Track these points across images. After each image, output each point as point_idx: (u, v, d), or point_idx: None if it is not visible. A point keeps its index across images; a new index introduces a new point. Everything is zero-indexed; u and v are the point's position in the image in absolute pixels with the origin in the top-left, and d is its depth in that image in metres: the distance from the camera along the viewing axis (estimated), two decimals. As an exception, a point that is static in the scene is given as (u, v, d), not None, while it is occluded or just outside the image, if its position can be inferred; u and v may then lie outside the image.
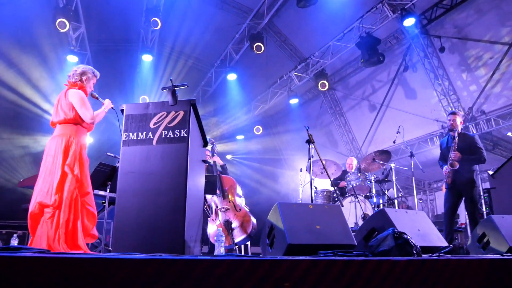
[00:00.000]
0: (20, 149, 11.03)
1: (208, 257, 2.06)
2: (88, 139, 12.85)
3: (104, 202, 6.21)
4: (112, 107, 4.52)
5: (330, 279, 2.27)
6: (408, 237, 3.10)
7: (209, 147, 7.34)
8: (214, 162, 7.09)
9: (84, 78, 4.36)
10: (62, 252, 3.13)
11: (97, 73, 4.55)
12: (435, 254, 3.82)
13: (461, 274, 2.67)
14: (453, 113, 6.45)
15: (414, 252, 3.05)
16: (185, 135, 3.59)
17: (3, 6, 10.24)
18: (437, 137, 12.00)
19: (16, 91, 11.00)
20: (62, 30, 9.31)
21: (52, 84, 11.10)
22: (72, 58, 10.89)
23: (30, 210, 3.85)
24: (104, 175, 6.17)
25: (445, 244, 4.00)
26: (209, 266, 1.99)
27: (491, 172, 7.42)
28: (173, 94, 3.75)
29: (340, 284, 2.30)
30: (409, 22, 9.67)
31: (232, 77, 13.37)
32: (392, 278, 2.44)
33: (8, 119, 11.09)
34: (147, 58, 12.12)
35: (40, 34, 10.64)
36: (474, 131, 10.75)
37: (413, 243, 3.08)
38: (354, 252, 3.01)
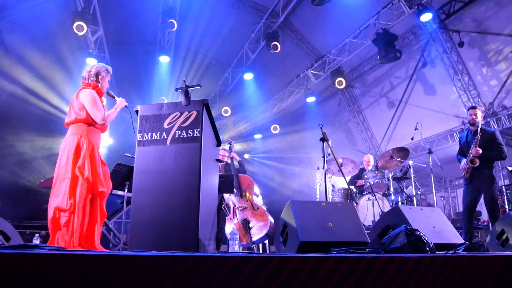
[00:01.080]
0: (42, 151, 11.30)
1: (217, 254, 2.10)
2: (108, 140, 13.12)
3: (123, 202, 6.33)
4: (126, 105, 4.48)
5: (340, 275, 2.28)
6: (421, 234, 3.08)
7: (226, 146, 7.39)
8: (232, 160, 7.13)
9: (99, 77, 4.37)
10: (77, 250, 3.20)
11: (110, 69, 4.52)
12: (450, 251, 3.78)
13: (474, 271, 2.63)
14: (474, 108, 6.31)
15: (427, 249, 3.03)
16: (198, 134, 3.64)
17: (23, 12, 10.51)
18: (457, 133, 11.80)
19: (37, 94, 11.27)
20: (80, 33, 9.47)
21: (72, 87, 11.33)
22: (91, 61, 11.07)
23: (50, 216, 3.88)
24: (122, 175, 6.27)
25: (461, 241, 3.96)
26: (218, 262, 2.03)
27: (510, 168, 7.27)
28: (186, 94, 3.80)
29: (350, 281, 2.31)
30: (426, 17, 9.56)
31: (248, 76, 13.42)
32: (403, 275, 2.43)
33: (30, 122, 11.38)
34: (164, 59, 12.27)
35: (60, 38, 10.88)
36: (496, 127, 10.53)
37: (426, 240, 3.06)
38: (367, 249, 3.01)
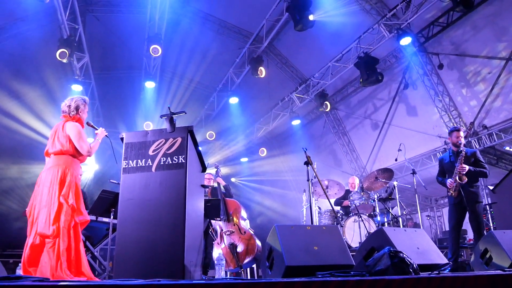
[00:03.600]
0: (25, 177, 11.16)
1: (203, 282, 2.11)
2: (94, 166, 13.04)
3: (108, 229, 6.28)
4: (106, 135, 4.64)
5: (324, 300, 2.31)
6: (404, 255, 3.13)
7: (213, 171, 7.41)
8: (218, 184, 7.15)
9: (79, 110, 4.47)
10: (61, 280, 3.18)
11: (87, 99, 4.65)
12: (434, 272, 3.83)
13: (457, 292, 2.68)
14: (458, 130, 6.35)
15: (411, 270, 3.07)
16: (183, 161, 3.68)
17: (10, 39, 10.55)
18: (441, 152, 11.97)
19: (21, 121, 11.21)
20: (63, 60, 9.52)
21: (57, 114, 11.29)
22: (76, 87, 11.12)
23: (30, 242, 3.90)
24: (108, 202, 6.25)
25: (445, 261, 4.01)
26: (202, 290, 2.04)
27: (491, 187, 7.40)
28: (171, 121, 3.85)
29: (335, 305, 2.33)
30: (406, 41, 9.83)
31: (234, 100, 13.54)
32: (387, 297, 2.46)
33: (13, 149, 11.27)
34: (150, 85, 12.34)
35: (45, 65, 10.90)
36: (477, 146, 10.74)
37: (410, 261, 3.10)
38: (352, 272, 3.04)
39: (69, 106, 4.43)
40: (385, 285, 2.49)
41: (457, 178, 6.07)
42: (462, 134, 6.30)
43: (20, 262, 4.31)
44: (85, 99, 4.60)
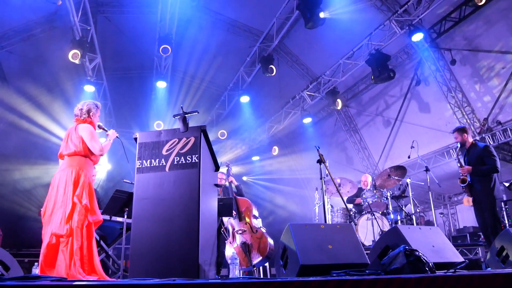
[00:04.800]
0: (41, 178, 11.28)
1: (218, 281, 2.12)
2: (106, 166, 13.15)
3: (122, 228, 6.32)
4: (117, 136, 4.79)
5: (340, 299, 2.30)
6: (420, 254, 3.10)
7: (224, 169, 7.40)
8: (230, 183, 7.15)
9: (91, 114, 4.61)
10: (78, 280, 3.21)
11: (99, 104, 4.80)
12: (450, 270, 3.79)
13: (474, 290, 2.65)
14: (454, 131, 6.49)
15: (427, 268, 3.05)
16: (197, 160, 3.69)
17: (22, 42, 10.68)
18: (454, 149, 11.79)
19: (35, 122, 11.34)
20: (75, 61, 9.60)
21: (70, 115, 11.39)
22: (89, 88, 11.21)
23: (47, 241, 3.99)
24: (121, 201, 6.28)
25: (461, 259, 3.97)
26: (219, 289, 2.05)
27: (507, 184, 7.31)
28: (184, 121, 3.86)
29: (351, 304, 2.32)
30: (417, 37, 9.71)
31: (245, 99, 13.54)
32: (403, 296, 2.45)
33: (28, 150, 11.41)
34: (161, 85, 12.39)
35: (58, 66, 11.01)
36: (491, 142, 10.61)
37: (426, 260, 3.08)
38: (367, 271, 3.02)
39: (81, 110, 4.58)
40: (401, 283, 2.47)
41: (459, 180, 6.20)
42: (459, 133, 6.38)
43: (36, 261, 4.39)
44: (97, 103, 4.74)
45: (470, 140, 6.37)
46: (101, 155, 4.46)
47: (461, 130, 6.42)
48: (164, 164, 3.76)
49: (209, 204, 4.01)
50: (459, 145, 6.44)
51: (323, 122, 16.08)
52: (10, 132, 11.24)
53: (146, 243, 3.57)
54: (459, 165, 6.23)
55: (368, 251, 5.07)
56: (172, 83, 13.15)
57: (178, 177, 3.69)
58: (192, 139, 3.77)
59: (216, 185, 4.31)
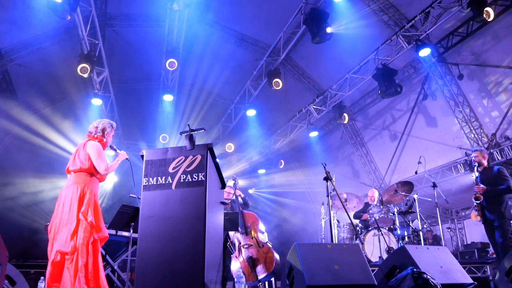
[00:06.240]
0: (48, 192, 11.34)
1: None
2: (113, 178, 13.20)
3: (128, 243, 6.32)
4: (127, 158, 4.79)
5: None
6: (428, 276, 3.06)
7: (231, 183, 7.40)
8: (237, 197, 7.14)
9: (105, 133, 4.66)
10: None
11: (114, 125, 4.85)
12: (458, 292, 3.74)
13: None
14: (475, 150, 6.70)
15: (435, 292, 3.01)
16: (203, 178, 3.68)
17: (31, 55, 10.81)
18: (461, 164, 11.79)
19: (41, 135, 11.42)
20: (84, 75, 9.68)
21: (77, 128, 11.49)
22: (96, 101, 11.29)
23: (51, 259, 3.99)
24: (127, 216, 6.30)
25: (470, 281, 3.91)
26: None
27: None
28: (191, 138, 3.87)
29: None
30: (425, 52, 9.71)
31: (251, 113, 13.57)
32: (411, 322, 2.41)
33: (36, 163, 11.48)
34: (168, 98, 12.46)
35: (66, 79, 11.14)
36: (499, 158, 10.53)
37: (434, 283, 3.04)
38: (374, 293, 2.99)
39: (96, 128, 4.62)
40: (409, 308, 2.44)
41: (473, 198, 6.30)
42: (479, 154, 6.58)
43: (41, 274, 4.42)
44: (112, 123, 4.79)
45: (485, 163, 6.57)
46: (106, 174, 4.47)
47: (483, 152, 6.64)
48: (171, 182, 3.75)
49: (215, 222, 3.99)
50: (477, 164, 6.57)
51: (330, 136, 16.06)
52: (17, 145, 11.33)
53: (152, 261, 3.55)
54: (475, 182, 6.36)
55: (374, 268, 5.03)
56: (179, 96, 13.22)
57: (184, 195, 3.68)
58: (199, 157, 3.77)
59: (223, 202, 4.30)
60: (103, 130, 4.62)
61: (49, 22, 10.06)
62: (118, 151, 4.81)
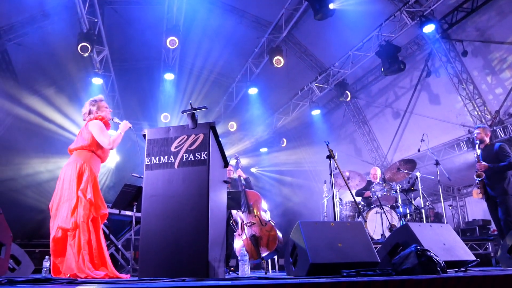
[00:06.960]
0: (50, 172, 11.36)
1: (228, 283, 2.10)
2: (115, 157, 13.19)
3: (131, 222, 6.36)
4: (130, 127, 4.70)
5: (352, 301, 2.28)
6: (432, 254, 3.06)
7: (233, 162, 7.40)
8: (239, 176, 7.15)
9: (95, 111, 4.57)
10: (88, 281, 3.23)
11: (98, 97, 4.71)
12: (461, 269, 3.76)
13: (487, 291, 2.61)
14: (478, 127, 6.74)
15: (439, 269, 3.01)
16: (206, 157, 3.67)
17: (30, 34, 10.67)
18: (464, 142, 11.75)
19: (42, 115, 11.37)
20: (84, 54, 9.58)
21: (78, 107, 11.42)
22: (96, 80, 11.21)
23: (52, 235, 4.05)
24: (130, 195, 6.32)
25: (472, 258, 3.93)
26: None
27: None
28: (193, 117, 3.83)
29: (362, 306, 2.30)
30: (429, 28, 9.56)
31: (253, 91, 13.48)
32: (415, 298, 2.42)
33: (37, 143, 11.47)
34: (169, 77, 12.36)
35: (66, 58, 11.01)
36: (502, 135, 10.49)
37: (437, 260, 3.04)
38: (378, 271, 2.99)
39: (84, 114, 4.60)
40: (413, 285, 2.44)
41: (475, 175, 6.35)
42: (482, 131, 6.61)
43: (46, 254, 4.46)
44: (95, 99, 4.67)
45: (488, 141, 6.58)
46: (111, 148, 4.43)
47: (486, 129, 6.66)
48: (173, 161, 3.74)
49: (218, 200, 3.99)
50: (478, 142, 6.59)
51: (332, 114, 15.98)
52: (18, 126, 11.30)
53: (156, 241, 3.56)
54: (477, 160, 6.37)
55: (377, 246, 5.05)
56: (180, 74, 13.10)
57: (187, 174, 3.67)
58: (201, 136, 3.74)
59: (225, 181, 4.29)
60: (90, 112, 4.56)
61: (47, 1, 9.92)
62: (119, 121, 4.69)
